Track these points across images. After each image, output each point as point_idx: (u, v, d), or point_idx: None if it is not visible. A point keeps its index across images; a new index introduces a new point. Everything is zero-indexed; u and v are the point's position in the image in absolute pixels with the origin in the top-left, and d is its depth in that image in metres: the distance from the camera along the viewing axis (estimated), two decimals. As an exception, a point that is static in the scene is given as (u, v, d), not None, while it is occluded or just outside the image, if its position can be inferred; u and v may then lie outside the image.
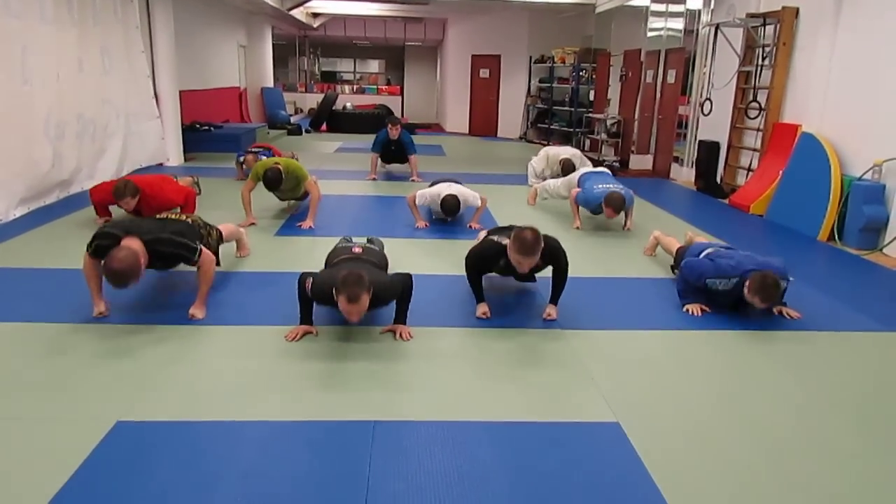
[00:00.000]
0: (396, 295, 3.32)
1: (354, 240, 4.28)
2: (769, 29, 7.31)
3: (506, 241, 3.49)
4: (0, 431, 2.41)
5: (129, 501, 2.05)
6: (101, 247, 3.30)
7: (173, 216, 3.90)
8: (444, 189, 5.64)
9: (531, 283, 4.14)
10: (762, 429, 2.62)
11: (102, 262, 3.20)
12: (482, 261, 3.67)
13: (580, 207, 5.98)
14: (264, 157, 7.97)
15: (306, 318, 3.33)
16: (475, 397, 2.80)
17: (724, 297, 3.79)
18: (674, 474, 2.27)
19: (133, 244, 3.25)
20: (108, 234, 3.34)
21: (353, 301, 2.95)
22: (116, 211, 5.59)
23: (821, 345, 3.51)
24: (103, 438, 2.37)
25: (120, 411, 2.55)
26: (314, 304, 3.32)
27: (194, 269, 3.60)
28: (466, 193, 5.66)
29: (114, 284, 3.18)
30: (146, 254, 3.29)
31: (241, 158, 7.93)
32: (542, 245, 3.38)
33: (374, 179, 8.26)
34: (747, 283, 3.59)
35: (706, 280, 3.77)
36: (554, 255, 3.58)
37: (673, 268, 4.53)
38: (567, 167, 7.43)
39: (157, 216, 3.90)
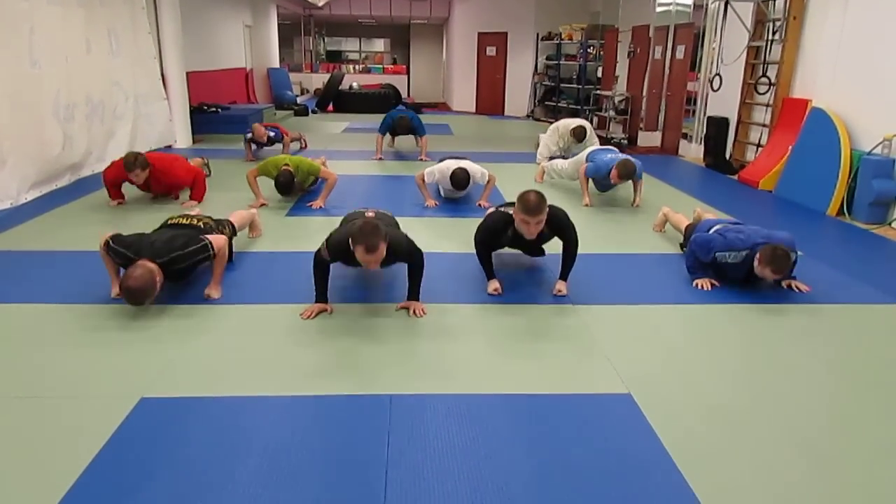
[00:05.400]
0: (408, 252, 3.36)
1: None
2: (779, 3, 7.24)
3: (512, 211, 3.53)
4: (27, 409, 2.48)
5: (156, 475, 2.11)
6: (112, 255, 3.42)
7: (183, 220, 3.87)
8: (453, 164, 5.66)
9: (541, 257, 4.18)
10: (773, 399, 2.66)
11: (119, 281, 3.27)
12: (491, 234, 3.70)
13: (590, 184, 6.00)
14: (272, 134, 8.04)
15: (321, 295, 3.39)
16: (488, 371, 2.85)
17: (733, 270, 3.81)
18: (685, 443, 2.32)
19: (148, 262, 3.28)
20: (119, 252, 3.36)
21: (371, 251, 3.02)
22: (129, 192, 5.64)
23: (830, 317, 3.54)
24: (128, 414, 2.43)
25: (143, 388, 2.61)
26: (329, 280, 3.38)
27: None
28: (475, 169, 5.68)
29: (130, 302, 3.24)
30: (162, 273, 3.32)
31: (249, 134, 7.95)
32: (547, 206, 3.41)
33: (380, 159, 8.27)
34: (758, 256, 3.61)
35: (715, 253, 3.79)
36: (561, 224, 3.61)
37: (682, 245, 4.55)
38: (579, 133, 7.53)
39: (167, 223, 3.87)
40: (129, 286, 3.16)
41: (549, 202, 3.45)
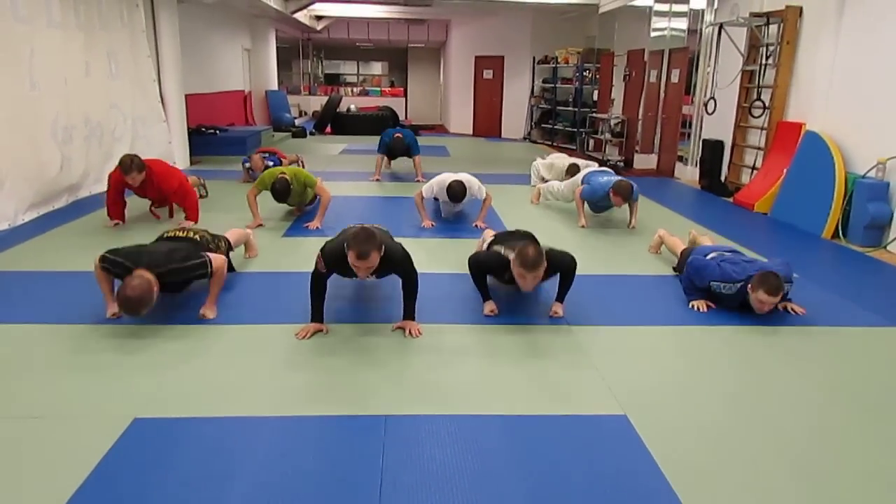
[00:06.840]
0: (403, 262, 3.36)
1: None
2: (773, 28, 7.33)
3: (511, 255, 3.49)
4: (20, 430, 2.46)
5: (149, 496, 2.09)
6: (108, 269, 3.40)
7: (180, 233, 3.89)
8: (450, 176, 5.70)
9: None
10: (768, 421, 2.65)
11: (116, 290, 3.27)
12: (484, 268, 3.72)
13: (585, 205, 6.03)
14: (271, 164, 8.07)
15: (317, 315, 3.38)
16: (484, 392, 2.84)
17: (727, 300, 3.82)
18: (681, 464, 2.31)
19: (146, 273, 3.29)
20: (117, 262, 3.38)
21: (362, 257, 3.02)
22: (128, 214, 5.65)
23: (825, 340, 3.54)
24: (121, 435, 2.41)
25: (137, 409, 2.60)
26: (325, 300, 3.38)
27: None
28: (472, 181, 5.71)
29: (127, 312, 3.24)
30: (158, 283, 3.33)
31: (248, 164, 7.99)
32: (545, 263, 3.38)
33: (377, 180, 8.31)
34: (750, 284, 3.62)
35: (710, 282, 3.80)
36: (562, 265, 3.60)
37: (675, 269, 4.56)
38: (573, 170, 7.55)
39: (164, 236, 3.89)
40: (126, 295, 3.15)
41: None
